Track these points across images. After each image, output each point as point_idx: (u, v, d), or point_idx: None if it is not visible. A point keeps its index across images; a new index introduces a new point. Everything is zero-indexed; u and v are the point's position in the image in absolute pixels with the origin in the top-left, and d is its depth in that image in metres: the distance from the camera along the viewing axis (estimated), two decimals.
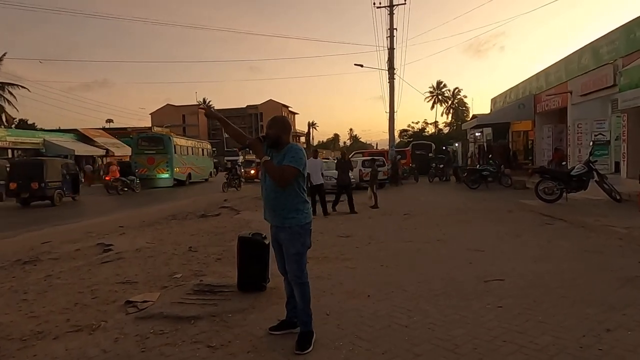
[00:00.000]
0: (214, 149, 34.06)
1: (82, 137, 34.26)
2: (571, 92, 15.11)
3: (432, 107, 70.31)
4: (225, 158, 36.55)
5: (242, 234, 4.61)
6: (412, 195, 15.30)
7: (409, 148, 28.70)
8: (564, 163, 14.91)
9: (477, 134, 27.07)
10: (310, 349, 2.99)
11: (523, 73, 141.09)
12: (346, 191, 10.86)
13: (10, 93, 33.57)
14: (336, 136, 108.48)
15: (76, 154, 29.08)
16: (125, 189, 19.53)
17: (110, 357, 2.99)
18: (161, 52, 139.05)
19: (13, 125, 35.58)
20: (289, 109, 76.42)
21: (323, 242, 6.77)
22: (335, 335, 3.22)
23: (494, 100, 26.68)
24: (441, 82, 70.34)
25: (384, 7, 22.32)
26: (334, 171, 13.13)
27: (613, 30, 12.94)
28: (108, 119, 56.84)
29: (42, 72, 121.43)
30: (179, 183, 24.34)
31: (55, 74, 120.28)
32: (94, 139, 34.63)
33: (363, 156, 21.17)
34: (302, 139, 78.67)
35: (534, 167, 14.25)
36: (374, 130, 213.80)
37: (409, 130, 51.54)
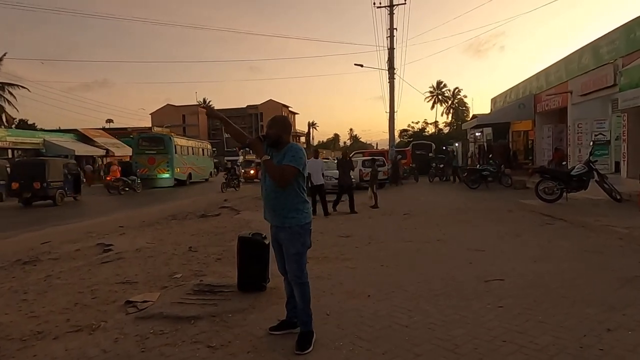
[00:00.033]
0: (214, 149, 34.11)
1: (82, 137, 34.30)
2: (571, 92, 15.10)
3: (432, 107, 70.40)
4: (225, 158, 36.62)
5: (242, 234, 4.61)
6: (412, 195, 15.30)
7: (409, 148, 28.71)
8: (564, 163, 14.91)
9: (477, 134, 27.07)
10: (311, 349, 2.99)
11: (523, 73, 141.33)
12: (347, 191, 10.84)
13: (11, 93, 33.59)
14: (336, 136, 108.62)
15: (76, 154, 29.09)
16: (127, 189, 19.58)
17: (110, 357, 2.99)
18: (161, 52, 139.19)
19: (13, 126, 35.58)
20: (289, 109, 76.40)
21: (323, 242, 6.77)
22: (335, 335, 3.22)
23: (494, 100, 26.67)
24: (441, 82, 70.44)
25: (384, 7, 22.32)
26: (335, 171, 13.12)
27: (613, 30, 12.94)
28: (108, 119, 56.95)
29: (42, 72, 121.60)
30: (179, 183, 24.39)
31: (55, 74, 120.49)
32: (94, 139, 34.66)
33: (363, 156, 21.16)
34: (302, 139, 78.65)
35: (534, 167, 14.25)
36: (374, 130, 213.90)
37: (409, 130, 51.55)
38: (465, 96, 71.73)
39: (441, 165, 22.10)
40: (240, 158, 41.68)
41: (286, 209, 3.08)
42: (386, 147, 24.45)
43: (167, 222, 9.97)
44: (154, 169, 23.32)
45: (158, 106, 75.02)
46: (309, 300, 3.15)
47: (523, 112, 19.68)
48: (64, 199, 15.75)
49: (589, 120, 14.49)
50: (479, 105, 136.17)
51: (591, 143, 12.62)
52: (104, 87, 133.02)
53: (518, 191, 14.57)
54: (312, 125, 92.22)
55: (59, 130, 36.26)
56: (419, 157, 25.77)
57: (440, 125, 60.15)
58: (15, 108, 34.68)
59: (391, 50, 22.47)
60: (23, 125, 43.88)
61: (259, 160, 3.17)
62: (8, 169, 17.62)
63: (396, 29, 22.36)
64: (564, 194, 10.63)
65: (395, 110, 23.12)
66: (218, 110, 3.71)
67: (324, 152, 54.77)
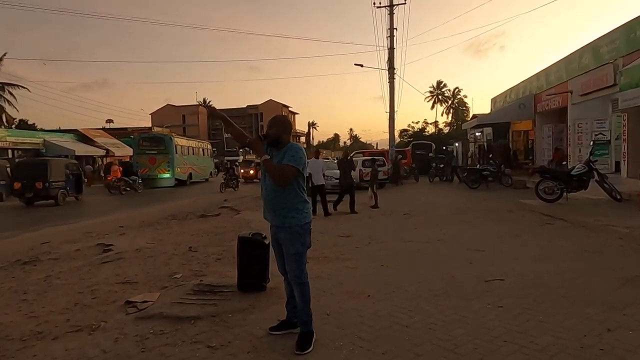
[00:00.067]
0: (214, 149, 34.13)
1: (82, 137, 34.34)
2: (571, 92, 15.11)
3: (432, 107, 70.44)
4: (225, 158, 36.65)
5: (242, 234, 4.60)
6: (412, 195, 15.29)
7: (409, 148, 28.72)
8: (564, 163, 14.91)
9: (477, 134, 27.07)
10: (311, 349, 2.98)
11: (523, 73, 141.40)
12: (349, 191, 10.82)
13: (11, 93, 33.59)
14: (336, 136, 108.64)
15: (76, 154, 29.13)
16: (128, 189, 19.66)
17: (110, 357, 2.99)
18: (161, 52, 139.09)
19: (13, 126, 35.61)
20: (289, 109, 76.38)
21: (323, 242, 6.76)
22: (335, 335, 3.21)
23: (494, 100, 26.68)
24: (441, 82, 70.50)
25: (384, 7, 22.32)
26: (335, 171, 13.10)
27: (613, 30, 12.95)
28: (108, 119, 56.82)
29: (42, 72, 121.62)
30: (180, 183, 24.44)
31: (55, 74, 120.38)
32: (94, 139, 34.69)
33: (363, 156, 21.17)
34: (302, 139, 78.68)
35: (534, 167, 14.26)
36: (374, 130, 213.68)
37: (409, 130, 51.61)
38: (466, 96, 71.86)
39: (441, 165, 22.11)
40: (241, 158, 41.72)
41: (286, 209, 3.07)
42: (386, 147, 24.45)
43: (167, 222, 9.97)
44: (154, 169, 23.37)
45: (158, 106, 75.14)
46: (309, 300, 3.14)
47: (523, 112, 19.68)
48: (65, 199, 15.85)
49: (589, 120, 14.49)
50: (479, 105, 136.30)
51: (591, 143, 12.63)
52: (104, 87, 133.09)
53: (518, 191, 14.57)
54: (312, 125, 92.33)
55: (59, 131, 36.28)
56: (419, 157, 25.78)
57: (440, 125, 60.28)
58: (16, 108, 34.76)
59: (391, 50, 22.47)
60: (23, 125, 43.90)
61: (259, 160, 3.17)
62: (8, 169, 17.70)
63: (396, 28, 22.40)
64: (564, 193, 10.63)
65: (395, 110, 23.16)
66: (210, 115, 3.66)
67: (324, 152, 54.77)
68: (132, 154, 27.42)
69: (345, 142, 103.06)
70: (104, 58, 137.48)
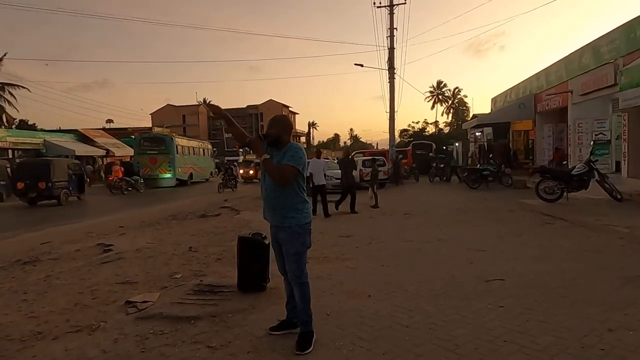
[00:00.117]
0: (214, 149, 34.15)
1: (83, 137, 34.34)
2: (572, 92, 15.09)
3: (433, 106, 70.44)
4: (226, 158, 36.67)
5: (242, 234, 4.60)
6: (413, 195, 15.29)
7: (409, 148, 28.71)
8: (564, 162, 14.90)
9: (477, 134, 27.06)
10: (311, 349, 2.98)
11: (523, 72, 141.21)
12: (350, 191, 10.80)
13: (11, 93, 33.56)
14: (336, 136, 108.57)
15: (76, 154, 29.10)
16: (130, 189, 19.73)
17: (110, 357, 2.98)
18: (161, 52, 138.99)
19: (13, 126, 35.60)
20: (290, 109, 76.35)
21: (323, 242, 6.76)
22: (335, 335, 3.21)
23: (494, 100, 26.67)
24: (441, 82, 70.48)
25: (384, 6, 22.28)
26: (336, 171, 13.08)
27: (614, 30, 12.93)
28: (108, 119, 56.81)
29: (42, 72, 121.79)
30: (180, 183, 24.48)
31: (55, 74, 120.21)
32: (94, 139, 34.69)
33: (364, 156, 21.16)
34: (303, 139, 78.68)
35: (535, 167, 14.25)
36: (374, 130, 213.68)
37: (409, 130, 51.62)
38: (466, 96, 71.89)
39: (441, 165, 22.10)
40: (241, 158, 41.71)
41: (286, 209, 3.07)
42: (386, 147, 24.44)
43: (167, 222, 9.97)
44: (155, 169, 23.43)
45: (158, 106, 75.13)
46: (309, 300, 3.14)
47: (523, 111, 19.67)
48: (68, 199, 15.95)
49: (590, 120, 14.48)
50: (479, 105, 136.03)
51: (592, 142, 12.62)
52: (104, 87, 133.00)
53: (518, 191, 14.56)
54: (312, 125, 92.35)
55: (59, 131, 36.28)
56: (419, 157, 25.78)
57: (441, 125, 60.31)
58: (16, 108, 34.71)
59: (391, 50, 22.45)
60: (23, 125, 43.89)
61: (258, 160, 3.16)
62: (8, 169, 17.76)
63: (396, 28, 22.35)
64: (565, 193, 10.62)
65: (396, 110, 23.10)
66: (213, 113, 3.67)
67: (324, 152, 54.77)
68: (132, 154, 27.44)
69: (345, 142, 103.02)
70: (104, 58, 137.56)
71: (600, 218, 7.99)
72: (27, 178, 14.98)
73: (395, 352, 2.91)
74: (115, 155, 33.71)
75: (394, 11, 22.13)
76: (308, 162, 7.60)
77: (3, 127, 31.07)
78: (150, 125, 47.26)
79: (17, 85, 33.79)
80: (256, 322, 3.50)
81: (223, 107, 3.36)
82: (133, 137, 29.02)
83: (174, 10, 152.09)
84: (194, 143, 28.98)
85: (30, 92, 37.36)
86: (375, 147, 63.17)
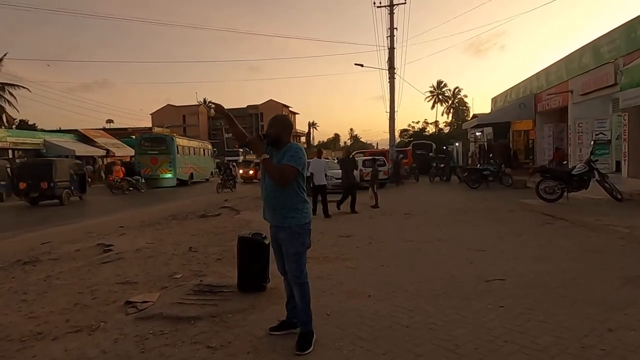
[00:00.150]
0: (214, 149, 34.16)
1: (83, 137, 34.34)
2: (572, 91, 15.08)
3: (433, 106, 70.46)
4: (226, 158, 36.66)
5: (242, 234, 4.60)
6: (413, 195, 15.28)
7: (409, 148, 28.70)
8: (564, 162, 14.89)
9: (477, 134, 27.05)
10: (311, 349, 2.97)
11: (523, 72, 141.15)
12: (351, 191, 10.78)
13: (11, 94, 33.53)
14: (337, 136, 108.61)
15: (77, 154, 29.12)
16: (131, 189, 19.80)
17: (110, 357, 2.98)
18: (161, 52, 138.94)
19: (14, 126, 35.60)
20: (290, 108, 76.34)
21: (323, 242, 6.76)
22: (335, 335, 3.20)
23: (494, 100, 26.66)
24: (441, 82, 70.51)
25: (384, 6, 22.26)
26: (336, 171, 13.05)
27: (614, 29, 12.92)
28: (108, 120, 56.70)
29: (42, 72, 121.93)
30: (181, 183, 24.51)
31: (55, 75, 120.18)
32: (95, 140, 34.69)
33: (364, 156, 21.15)
34: (303, 139, 78.69)
35: (535, 167, 14.23)
36: (375, 130, 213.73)
37: (410, 130, 51.63)
38: (466, 96, 71.99)
39: (442, 165, 22.10)
40: (241, 158, 41.70)
41: (286, 209, 3.06)
42: (386, 147, 24.43)
43: (168, 222, 9.96)
44: (156, 169, 23.47)
45: (158, 106, 75.08)
46: (308, 300, 3.14)
47: (523, 111, 19.66)
48: (70, 199, 16.03)
49: (590, 120, 14.47)
50: (480, 104, 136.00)
51: (592, 142, 12.61)
52: (104, 88, 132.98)
53: (518, 191, 14.55)
54: (312, 125, 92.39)
55: (60, 131, 36.27)
56: (419, 157, 25.76)
57: (441, 125, 60.35)
58: (16, 108, 34.68)
59: (391, 50, 22.43)
60: (23, 125, 43.89)
61: (258, 160, 3.16)
62: (8, 169, 17.80)
63: (396, 28, 22.34)
64: (565, 193, 10.62)
65: (396, 110, 23.10)
66: (216, 112, 3.71)
67: (324, 152, 54.68)
68: (132, 154, 27.42)
69: (345, 142, 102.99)
70: (104, 58, 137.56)
71: (601, 218, 7.99)
72: (30, 178, 15.07)
73: (396, 352, 2.91)
74: (116, 155, 33.70)
75: (394, 11, 22.13)
76: (308, 162, 7.59)
77: (3, 127, 31.07)
78: (150, 126, 47.29)
79: (17, 86, 33.79)
80: (256, 322, 3.50)
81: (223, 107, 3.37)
82: (133, 137, 29.00)
83: (174, 10, 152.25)
84: (194, 143, 29.02)
85: (30, 92, 37.41)
86: (375, 147, 63.19)
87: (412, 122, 61.57)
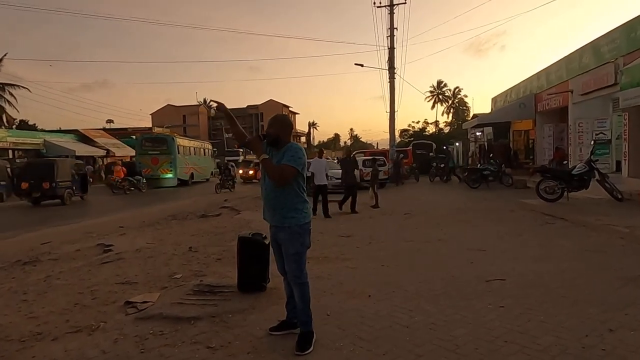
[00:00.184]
0: (214, 149, 34.18)
1: (83, 137, 34.37)
2: (572, 91, 15.08)
3: (433, 106, 70.45)
4: (226, 158, 36.69)
5: (242, 234, 4.59)
6: (413, 195, 15.28)
7: (409, 147, 28.70)
8: (565, 162, 14.89)
9: (477, 134, 27.03)
10: (311, 349, 2.97)
11: (524, 72, 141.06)
12: (351, 191, 10.76)
13: (11, 94, 33.54)
14: (337, 136, 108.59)
15: (77, 154, 29.14)
16: (132, 189, 19.84)
17: (110, 358, 2.98)
18: (161, 52, 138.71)
19: (14, 126, 35.62)
20: (290, 108, 76.30)
21: (323, 242, 6.75)
22: (335, 335, 3.20)
23: (494, 100, 26.66)
24: (442, 82, 70.51)
25: (384, 6, 22.25)
26: (337, 171, 13.03)
27: (614, 29, 12.91)
28: (108, 120, 56.73)
29: (42, 72, 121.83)
30: (182, 183, 24.55)
31: (55, 75, 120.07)
32: (95, 140, 34.71)
33: (364, 156, 21.15)
34: (303, 139, 78.68)
35: (535, 167, 14.23)
36: (375, 130, 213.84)
37: (410, 129, 51.65)
38: (466, 96, 72.00)
39: (442, 165, 22.09)
40: (241, 158, 41.70)
41: (285, 209, 3.06)
42: (387, 147, 24.42)
43: (168, 222, 9.97)
44: (157, 169, 23.52)
45: (158, 106, 74.97)
46: (308, 300, 3.13)
47: (524, 111, 19.66)
48: (72, 199, 16.09)
49: (590, 120, 14.47)
50: (480, 104, 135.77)
51: (592, 142, 12.59)
52: (104, 88, 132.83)
53: (519, 191, 14.55)
54: (312, 125, 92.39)
55: (60, 131, 36.29)
56: (419, 157, 25.76)
57: (441, 125, 60.33)
58: (16, 109, 34.70)
59: (391, 49, 22.42)
60: (24, 125, 43.91)
61: (258, 160, 3.16)
62: (8, 170, 17.84)
63: (396, 28, 22.32)
64: (565, 193, 10.61)
65: (396, 110, 23.08)
66: (217, 111, 3.76)
67: (324, 152, 54.64)
68: (132, 154, 27.41)
69: (345, 142, 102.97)
70: (104, 58, 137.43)
71: (601, 218, 7.98)
72: (32, 178, 15.15)
73: (396, 352, 2.91)
74: (116, 155, 33.74)
75: (394, 11, 22.13)
76: (309, 162, 7.58)
77: (3, 127, 31.09)
78: (151, 126, 47.28)
79: (18, 86, 33.81)
80: (256, 322, 3.50)
81: None
82: (134, 137, 28.96)
83: (174, 10, 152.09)
84: (194, 143, 29.08)
85: (30, 92, 37.36)
86: (375, 147, 63.19)
87: (412, 122, 61.64)
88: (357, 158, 17.75)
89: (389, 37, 22.34)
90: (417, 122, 56.16)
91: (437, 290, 4.18)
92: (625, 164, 12.10)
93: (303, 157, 3.07)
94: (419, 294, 4.08)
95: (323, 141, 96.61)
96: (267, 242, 4.20)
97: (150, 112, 70.15)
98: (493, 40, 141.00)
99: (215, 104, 3.35)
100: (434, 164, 22.35)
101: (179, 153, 24.31)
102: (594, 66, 13.68)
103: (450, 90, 69.92)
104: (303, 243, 3.10)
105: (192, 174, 26.00)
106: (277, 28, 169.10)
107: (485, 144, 25.07)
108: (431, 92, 69.72)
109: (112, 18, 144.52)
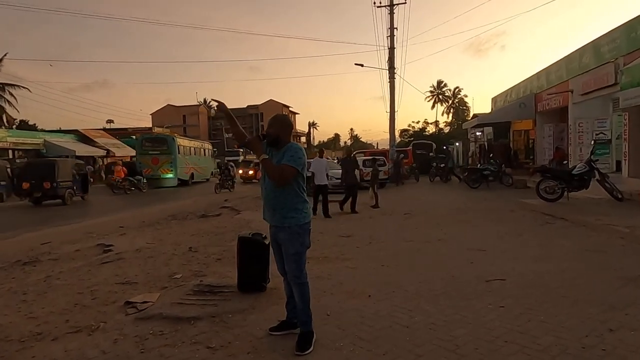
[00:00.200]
0: (214, 149, 34.19)
1: (83, 137, 34.37)
2: (572, 91, 15.08)
3: (433, 106, 70.48)
4: (226, 158, 36.69)
5: (242, 234, 4.59)
6: (413, 195, 15.28)
7: (410, 147, 28.70)
8: (565, 162, 14.89)
9: (477, 134, 27.05)
10: (311, 349, 2.97)
11: (524, 72, 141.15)
12: (351, 191, 10.75)
13: (11, 94, 33.55)
14: (337, 136, 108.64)
15: (77, 154, 29.12)
16: (132, 189, 19.86)
17: (110, 358, 2.98)
18: (161, 52, 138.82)
19: (14, 126, 35.62)
20: (290, 108, 76.29)
21: (323, 242, 6.75)
22: (335, 335, 3.20)
23: (494, 100, 26.66)
24: (442, 82, 70.55)
25: (384, 6, 22.24)
26: (337, 171, 13.02)
27: (614, 29, 12.92)
28: (108, 120, 56.73)
29: (42, 72, 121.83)
30: (182, 183, 24.57)
31: (55, 75, 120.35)
32: (95, 140, 34.71)
33: (364, 156, 21.15)
34: (303, 139, 78.68)
35: (535, 166, 14.23)
36: (375, 130, 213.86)
37: (410, 129, 51.66)
38: (466, 96, 72.01)
39: (442, 165, 22.08)
40: (241, 158, 41.69)
41: (285, 209, 3.06)
42: (387, 147, 24.42)
43: (167, 222, 9.96)
44: (157, 169, 23.53)
45: (158, 106, 74.97)
46: (308, 300, 3.13)
47: (524, 111, 19.66)
48: (72, 199, 16.11)
49: (590, 120, 14.47)
50: (480, 104, 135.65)
51: (592, 142, 12.59)
52: (104, 88, 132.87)
53: (519, 190, 14.55)
54: (312, 125, 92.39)
55: (60, 131, 36.29)
56: (419, 157, 25.76)
57: (441, 125, 60.34)
58: (16, 109, 34.71)
59: (391, 49, 22.42)
60: (24, 125, 43.90)
61: (258, 160, 3.16)
62: (8, 170, 17.85)
63: (396, 28, 22.31)
64: (565, 193, 10.61)
65: (396, 110, 23.08)
66: (218, 110, 3.80)
67: (324, 151, 54.61)
68: (132, 154, 27.42)
69: (345, 142, 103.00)
70: (104, 58, 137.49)
71: (601, 218, 7.98)
72: (33, 178, 15.17)
73: (396, 352, 2.90)
74: (116, 155, 33.73)
75: (394, 11, 22.12)
76: (309, 162, 7.58)
77: (3, 127, 31.08)
78: (151, 126, 47.29)
79: (18, 86, 33.80)
80: (256, 322, 3.50)
81: None
82: (134, 137, 28.96)
83: (174, 10, 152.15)
84: (194, 143, 29.10)
85: (30, 92, 37.32)
86: (375, 147, 63.17)
87: (412, 122, 61.67)
88: (357, 158, 17.81)
89: (389, 37, 22.36)
90: (417, 122, 56.28)
91: (437, 290, 4.18)
92: (625, 164, 12.11)
93: (303, 157, 3.07)
94: (419, 294, 4.08)
95: (323, 141, 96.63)
96: (267, 242, 4.20)
97: (150, 112, 70.20)
98: (493, 40, 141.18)
99: (215, 103, 3.36)
100: (434, 164, 22.34)
101: (179, 153, 24.33)
102: (594, 66, 13.69)
103: (450, 90, 70.01)
104: (303, 243, 3.10)
105: (192, 174, 26.02)
106: (277, 28, 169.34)
107: (485, 144, 25.08)
108: (431, 92, 69.79)
109: (112, 18, 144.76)
